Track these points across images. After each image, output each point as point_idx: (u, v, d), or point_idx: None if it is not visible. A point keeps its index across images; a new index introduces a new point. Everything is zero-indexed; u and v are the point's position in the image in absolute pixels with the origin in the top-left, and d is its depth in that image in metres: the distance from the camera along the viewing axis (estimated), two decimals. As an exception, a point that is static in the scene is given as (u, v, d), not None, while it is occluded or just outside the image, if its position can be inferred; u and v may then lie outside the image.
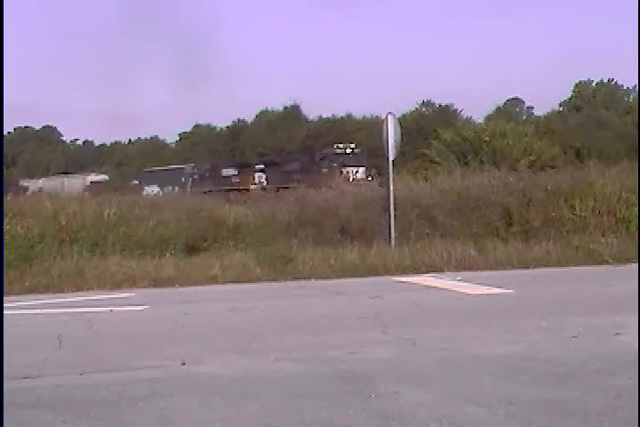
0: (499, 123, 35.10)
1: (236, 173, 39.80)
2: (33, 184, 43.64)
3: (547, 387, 4.75)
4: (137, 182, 43.96)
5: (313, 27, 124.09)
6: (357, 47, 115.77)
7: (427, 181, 16.63)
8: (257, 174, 38.48)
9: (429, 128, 40.25)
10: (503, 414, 4.23)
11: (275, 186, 31.50)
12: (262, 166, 39.10)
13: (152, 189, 38.14)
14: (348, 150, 35.04)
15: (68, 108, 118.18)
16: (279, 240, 13.52)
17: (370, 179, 28.29)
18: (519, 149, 28.99)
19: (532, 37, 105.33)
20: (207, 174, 41.09)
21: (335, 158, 34.27)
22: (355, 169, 32.65)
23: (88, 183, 44.85)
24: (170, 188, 39.03)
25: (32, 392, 4.97)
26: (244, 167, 39.92)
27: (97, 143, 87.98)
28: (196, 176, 41.67)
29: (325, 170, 32.67)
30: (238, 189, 33.63)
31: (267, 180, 37.57)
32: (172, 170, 44.34)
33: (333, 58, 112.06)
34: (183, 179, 41.51)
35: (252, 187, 35.77)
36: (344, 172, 32.05)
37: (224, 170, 40.48)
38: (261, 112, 62.39)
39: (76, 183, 41.88)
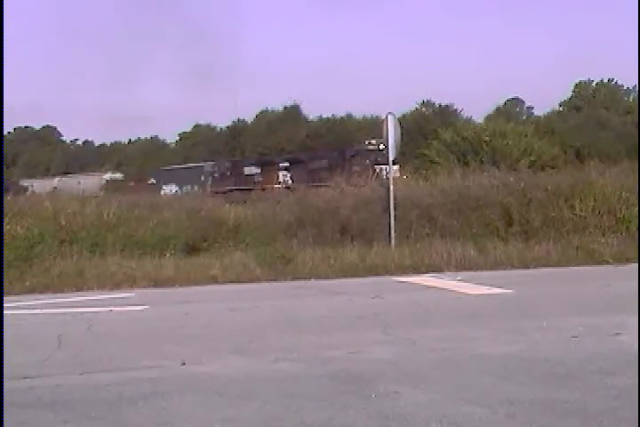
0: (499, 123, 35.10)
1: (259, 171, 37.94)
2: (47, 183, 43.15)
3: (547, 387, 4.75)
4: (153, 181, 43.16)
5: (313, 27, 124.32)
6: (357, 47, 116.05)
7: (427, 181, 16.63)
8: (281, 173, 36.56)
9: (429, 128, 40.25)
10: (503, 414, 4.22)
11: (300, 184, 30.17)
12: (287, 164, 37.06)
13: (170, 189, 37.45)
14: (382, 146, 33.23)
15: (68, 108, 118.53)
16: (279, 240, 13.50)
17: (405, 177, 26.66)
18: (519, 148, 29.00)
19: (532, 37, 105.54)
20: (228, 173, 39.45)
21: (367, 155, 31.89)
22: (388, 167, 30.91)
23: (104, 182, 44.37)
24: (189, 187, 38.21)
25: (32, 392, 4.97)
26: (268, 165, 38.07)
27: (97, 143, 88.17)
28: (216, 175, 40.18)
29: (357, 168, 30.16)
30: (262, 189, 31.72)
31: (291, 178, 36.01)
32: (191, 168, 42.70)
33: (333, 58, 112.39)
34: (203, 177, 40.36)
35: (276, 186, 33.75)
36: (377, 169, 30.75)
37: (246, 168, 38.72)
38: (261, 112, 62.40)
39: (91, 183, 41.26)
